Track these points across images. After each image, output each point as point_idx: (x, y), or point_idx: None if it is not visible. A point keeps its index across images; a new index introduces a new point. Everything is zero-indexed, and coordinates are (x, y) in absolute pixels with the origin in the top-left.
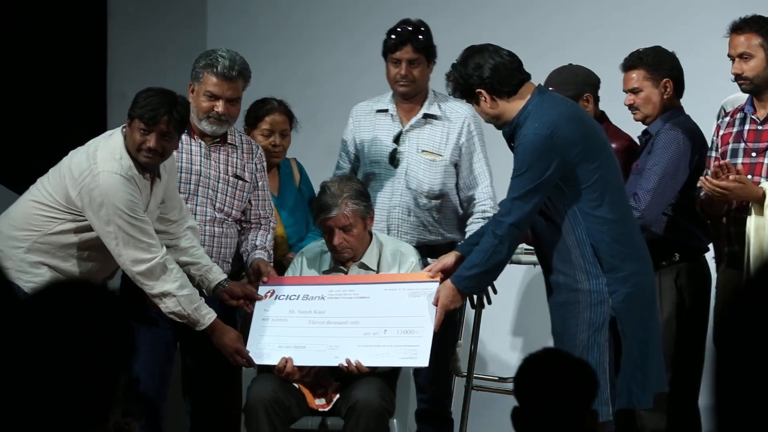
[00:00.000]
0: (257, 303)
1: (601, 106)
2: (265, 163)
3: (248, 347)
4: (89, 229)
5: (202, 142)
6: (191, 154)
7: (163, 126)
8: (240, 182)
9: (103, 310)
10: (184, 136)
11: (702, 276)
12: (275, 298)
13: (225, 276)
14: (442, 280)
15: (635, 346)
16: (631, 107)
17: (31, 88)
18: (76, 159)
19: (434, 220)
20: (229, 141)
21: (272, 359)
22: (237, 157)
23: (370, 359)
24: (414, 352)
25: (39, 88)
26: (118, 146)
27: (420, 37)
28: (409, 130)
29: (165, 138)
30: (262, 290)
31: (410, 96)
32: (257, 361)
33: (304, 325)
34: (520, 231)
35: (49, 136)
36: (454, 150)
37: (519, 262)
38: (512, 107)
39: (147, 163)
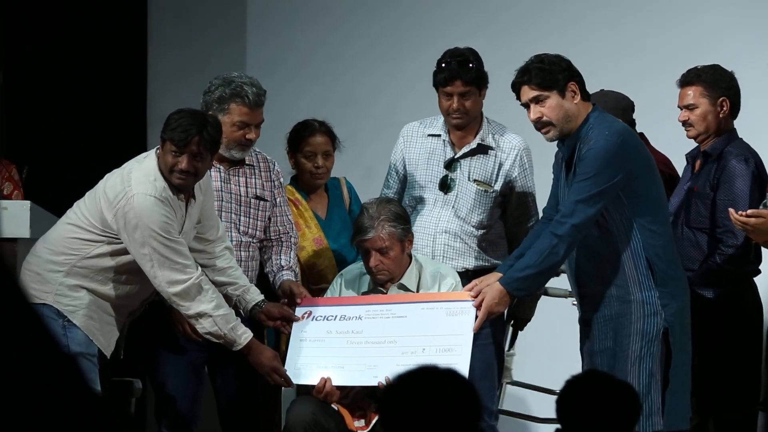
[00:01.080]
0: (294, 324)
1: (641, 128)
2: (282, 179)
3: (286, 368)
4: (125, 252)
5: (221, 167)
6: (211, 180)
7: (194, 147)
8: (261, 203)
9: None
10: None
11: (752, 299)
12: (312, 319)
13: (262, 297)
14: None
15: (682, 368)
16: (685, 124)
17: (71, 110)
18: (110, 182)
19: (479, 247)
20: (246, 162)
21: (311, 379)
22: (256, 178)
23: None
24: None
25: (79, 109)
26: (152, 168)
27: (470, 69)
28: (461, 158)
29: (197, 159)
30: (299, 311)
31: (464, 127)
32: (295, 382)
33: (341, 345)
34: (580, 235)
35: (89, 158)
36: (505, 181)
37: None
38: (583, 113)
39: (180, 185)
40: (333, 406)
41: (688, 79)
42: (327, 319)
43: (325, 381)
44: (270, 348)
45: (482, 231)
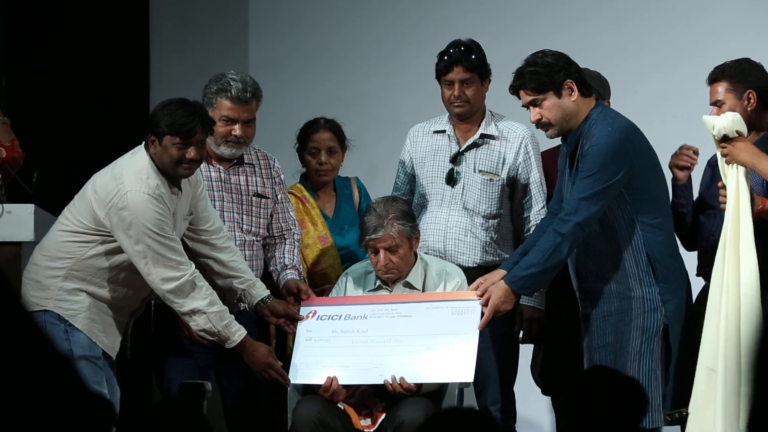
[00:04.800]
0: (300, 323)
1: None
2: (283, 175)
3: (292, 367)
4: (120, 251)
5: (221, 167)
6: (212, 181)
7: (198, 135)
8: (263, 200)
9: None
10: (203, 164)
11: None
12: (317, 318)
13: (268, 292)
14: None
15: (683, 360)
16: None
17: (75, 115)
18: (100, 181)
19: (492, 240)
20: (246, 161)
21: (317, 379)
22: (256, 176)
23: (414, 376)
24: (458, 368)
25: (82, 114)
26: (143, 166)
27: (471, 56)
28: (466, 150)
29: (200, 146)
30: (304, 311)
31: (466, 116)
32: (302, 381)
33: (347, 345)
34: (584, 233)
35: (93, 163)
36: (510, 169)
37: None
38: (584, 109)
39: (187, 175)
40: (339, 405)
41: (714, 76)
42: (332, 319)
43: (332, 380)
44: (264, 344)
45: (492, 222)
